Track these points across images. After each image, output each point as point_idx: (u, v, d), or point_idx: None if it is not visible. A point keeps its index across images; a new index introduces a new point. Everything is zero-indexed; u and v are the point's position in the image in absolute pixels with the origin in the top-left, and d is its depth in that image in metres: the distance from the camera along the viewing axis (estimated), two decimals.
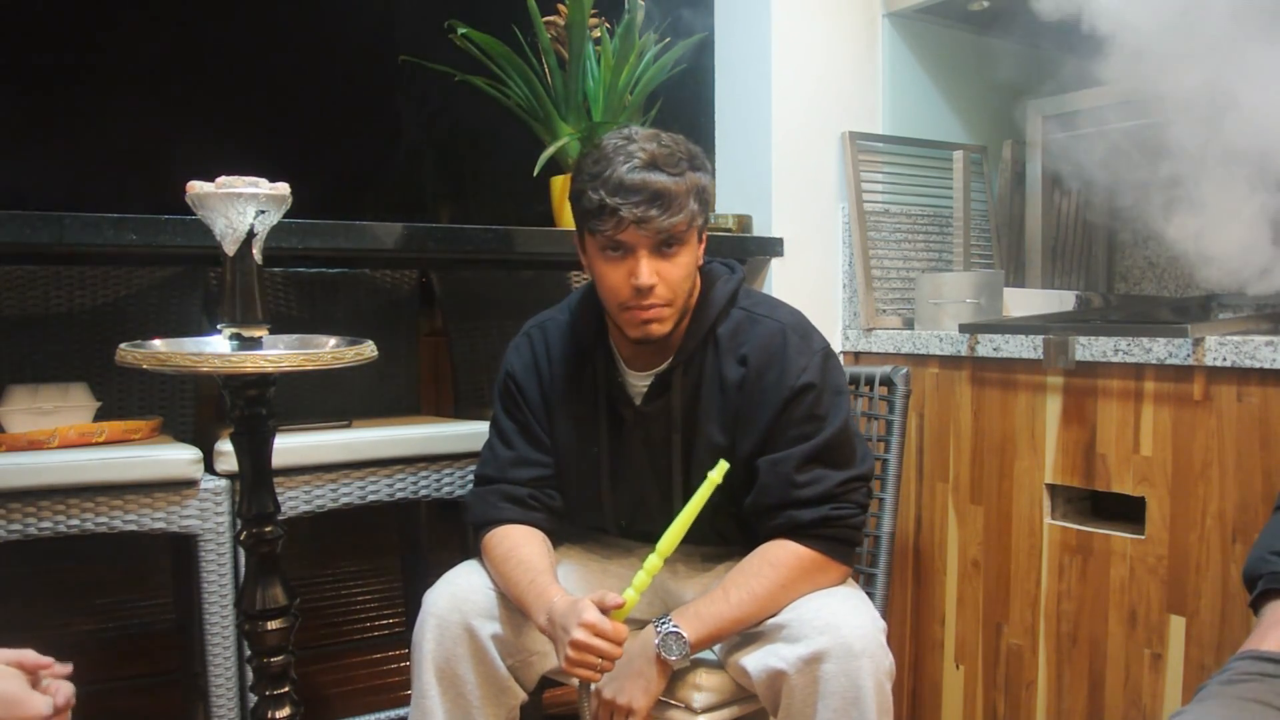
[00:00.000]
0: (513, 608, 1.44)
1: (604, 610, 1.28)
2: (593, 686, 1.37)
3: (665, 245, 1.34)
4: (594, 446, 1.51)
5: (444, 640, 1.40)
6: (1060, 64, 2.21)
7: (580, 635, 1.26)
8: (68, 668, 1.08)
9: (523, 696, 1.46)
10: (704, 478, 1.46)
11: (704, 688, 1.38)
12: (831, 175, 2.23)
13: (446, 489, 1.84)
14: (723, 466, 1.31)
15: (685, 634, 1.32)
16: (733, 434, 1.43)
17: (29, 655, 1.08)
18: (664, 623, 1.34)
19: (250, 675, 1.44)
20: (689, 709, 1.38)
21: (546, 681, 1.57)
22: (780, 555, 1.37)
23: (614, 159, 1.32)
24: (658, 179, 1.30)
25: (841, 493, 1.39)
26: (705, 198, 1.38)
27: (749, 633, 1.37)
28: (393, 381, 2.16)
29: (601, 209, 1.31)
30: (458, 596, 1.43)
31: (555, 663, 1.46)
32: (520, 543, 1.44)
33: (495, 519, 1.48)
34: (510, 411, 1.53)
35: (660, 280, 1.34)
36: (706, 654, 1.43)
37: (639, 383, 1.48)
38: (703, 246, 1.43)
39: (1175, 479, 1.60)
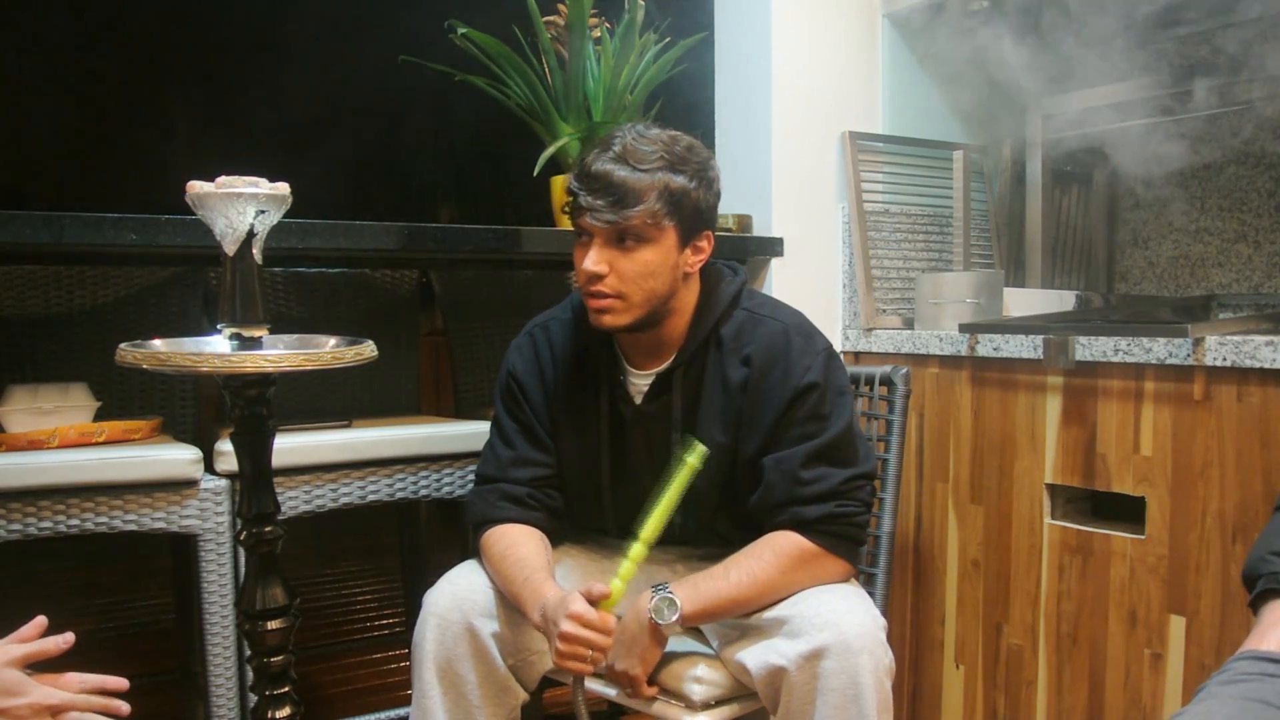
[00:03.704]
0: (513, 607, 1.44)
1: (591, 601, 1.28)
2: (586, 682, 1.37)
3: (622, 239, 1.35)
4: (595, 445, 1.51)
5: (445, 639, 1.40)
6: (1059, 64, 2.21)
7: (568, 627, 1.26)
8: (67, 639, 1.11)
9: (524, 696, 1.46)
10: (705, 477, 1.46)
11: (704, 680, 1.38)
12: (831, 175, 2.23)
13: (446, 489, 1.84)
14: (700, 451, 1.31)
15: (679, 601, 1.32)
16: (735, 434, 1.44)
17: (26, 639, 1.09)
18: (660, 588, 1.34)
19: (250, 675, 1.44)
20: (688, 705, 1.38)
21: (547, 681, 1.57)
22: (784, 544, 1.37)
23: (596, 149, 1.37)
24: (618, 172, 1.33)
25: (845, 490, 1.39)
26: (682, 201, 1.35)
27: (748, 627, 1.37)
28: (393, 381, 2.16)
29: (569, 193, 1.37)
30: (458, 595, 1.43)
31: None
32: (517, 541, 1.44)
33: (493, 518, 1.48)
34: (511, 411, 1.53)
35: (612, 272, 1.35)
36: (705, 649, 1.43)
37: (640, 382, 1.48)
38: (698, 257, 1.42)
39: (1175, 479, 1.60)
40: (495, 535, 1.46)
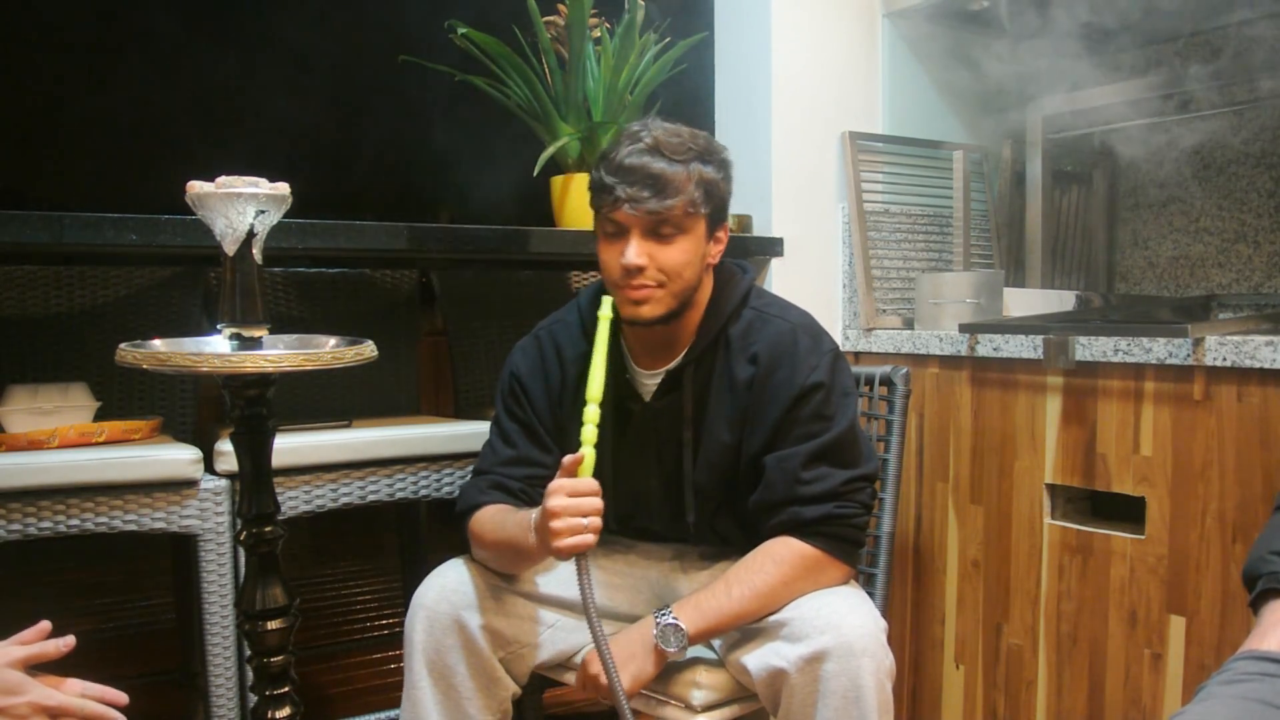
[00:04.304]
0: (503, 600, 1.45)
1: (568, 473, 1.29)
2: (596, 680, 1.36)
3: (660, 229, 1.36)
4: (599, 443, 1.51)
5: (434, 631, 1.41)
6: (1060, 64, 2.21)
7: (555, 502, 1.26)
8: (68, 642, 1.11)
9: (514, 689, 1.47)
10: (710, 475, 1.46)
11: (703, 685, 1.38)
12: (831, 175, 2.23)
13: (446, 489, 1.84)
14: (609, 303, 1.36)
15: (684, 626, 1.33)
16: (740, 432, 1.44)
17: (27, 643, 1.10)
18: (664, 614, 1.34)
19: (250, 675, 1.44)
20: (688, 707, 1.38)
21: (547, 681, 1.57)
22: (783, 552, 1.37)
23: (623, 143, 1.37)
24: (656, 164, 1.34)
25: (846, 491, 1.39)
26: (713, 191, 1.39)
27: (749, 630, 1.37)
28: (393, 381, 2.16)
29: (601, 188, 1.37)
30: (446, 588, 1.44)
31: (547, 656, 1.47)
32: (504, 509, 1.45)
33: (480, 502, 1.48)
34: (512, 412, 1.54)
35: (651, 263, 1.36)
36: (706, 652, 1.43)
37: (649, 381, 1.49)
38: (718, 248, 1.44)
39: (1175, 479, 1.60)
40: (482, 513, 1.46)
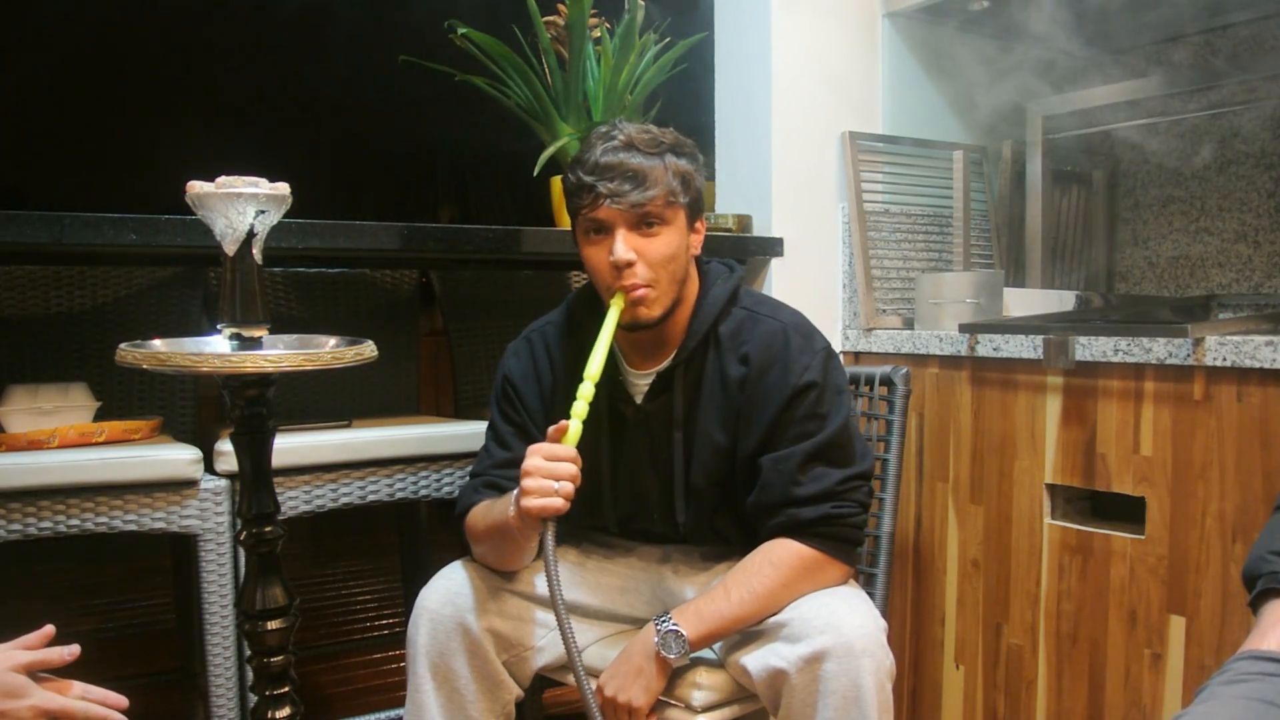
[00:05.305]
0: (506, 603, 1.45)
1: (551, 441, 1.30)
2: (595, 691, 1.36)
3: (644, 224, 1.36)
4: (595, 445, 1.51)
5: (437, 635, 1.41)
6: (1060, 64, 2.21)
7: (529, 461, 1.27)
8: (73, 651, 1.11)
9: (518, 692, 1.47)
10: (705, 475, 1.46)
11: (704, 686, 1.38)
12: (831, 175, 2.23)
13: (446, 489, 1.84)
14: (620, 296, 1.36)
15: (685, 632, 1.33)
16: (733, 432, 1.44)
17: (32, 647, 1.10)
18: (664, 621, 1.34)
19: (250, 675, 1.44)
20: (688, 708, 1.38)
21: (548, 681, 1.57)
22: (782, 554, 1.37)
23: (596, 143, 1.38)
24: (633, 159, 1.35)
25: (843, 491, 1.39)
26: (690, 181, 1.40)
27: (749, 631, 1.37)
28: (393, 381, 2.16)
29: (580, 188, 1.37)
30: (451, 591, 1.44)
31: (549, 658, 1.47)
32: (494, 500, 1.45)
33: (476, 501, 1.48)
34: (507, 415, 1.54)
35: (640, 258, 1.36)
36: (706, 653, 1.43)
37: (640, 381, 1.49)
38: (698, 238, 1.45)
39: (1175, 479, 1.60)
40: (476, 509, 1.47)
